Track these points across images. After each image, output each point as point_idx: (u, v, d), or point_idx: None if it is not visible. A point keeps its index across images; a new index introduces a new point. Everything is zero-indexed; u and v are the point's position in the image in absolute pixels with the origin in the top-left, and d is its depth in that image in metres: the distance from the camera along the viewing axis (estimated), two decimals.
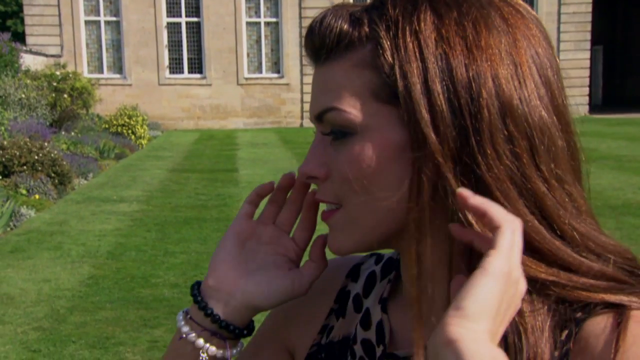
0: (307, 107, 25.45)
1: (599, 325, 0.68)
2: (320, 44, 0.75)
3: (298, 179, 0.85)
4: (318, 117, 0.77)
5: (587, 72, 27.06)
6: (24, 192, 9.83)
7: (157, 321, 5.25)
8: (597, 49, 31.75)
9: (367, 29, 0.73)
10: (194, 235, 8.05)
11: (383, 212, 0.74)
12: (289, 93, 25.95)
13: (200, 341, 0.83)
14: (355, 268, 0.94)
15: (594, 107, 28.67)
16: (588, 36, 26.77)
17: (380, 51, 0.71)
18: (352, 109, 0.73)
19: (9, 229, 8.39)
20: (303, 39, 0.79)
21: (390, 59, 0.71)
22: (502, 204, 0.67)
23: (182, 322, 0.85)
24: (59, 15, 24.59)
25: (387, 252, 0.91)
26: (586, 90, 27.26)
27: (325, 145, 0.77)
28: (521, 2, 0.75)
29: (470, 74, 0.69)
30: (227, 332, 0.84)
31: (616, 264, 0.71)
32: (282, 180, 0.87)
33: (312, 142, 0.79)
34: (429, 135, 0.69)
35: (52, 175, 10.59)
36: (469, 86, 0.69)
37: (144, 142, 18.98)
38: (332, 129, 0.75)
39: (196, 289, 0.86)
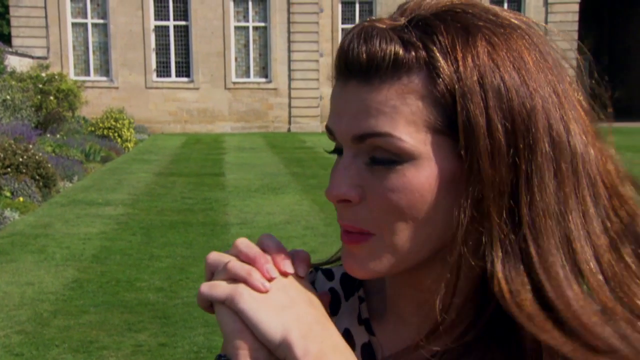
0: (295, 112, 25.47)
1: None
2: (370, 62, 0.70)
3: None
4: (360, 138, 0.71)
5: None
6: (8, 194, 9.74)
7: (141, 325, 5.19)
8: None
9: (424, 54, 0.69)
10: (179, 239, 8.00)
11: (423, 239, 0.72)
12: (277, 98, 25.94)
13: None
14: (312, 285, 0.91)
15: None
16: (575, 45, 26.94)
17: (440, 80, 0.69)
18: (408, 137, 0.69)
19: None
20: (337, 52, 0.74)
21: (451, 88, 0.68)
22: (537, 240, 0.68)
23: None
24: (46, 17, 24.49)
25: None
26: None
27: (358, 168, 0.73)
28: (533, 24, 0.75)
29: (528, 106, 0.68)
30: None
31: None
32: None
33: (340, 161, 0.74)
34: (486, 167, 0.68)
35: (37, 177, 10.51)
36: (527, 119, 0.68)
37: (130, 145, 18.91)
38: (376, 153, 0.71)
39: None
